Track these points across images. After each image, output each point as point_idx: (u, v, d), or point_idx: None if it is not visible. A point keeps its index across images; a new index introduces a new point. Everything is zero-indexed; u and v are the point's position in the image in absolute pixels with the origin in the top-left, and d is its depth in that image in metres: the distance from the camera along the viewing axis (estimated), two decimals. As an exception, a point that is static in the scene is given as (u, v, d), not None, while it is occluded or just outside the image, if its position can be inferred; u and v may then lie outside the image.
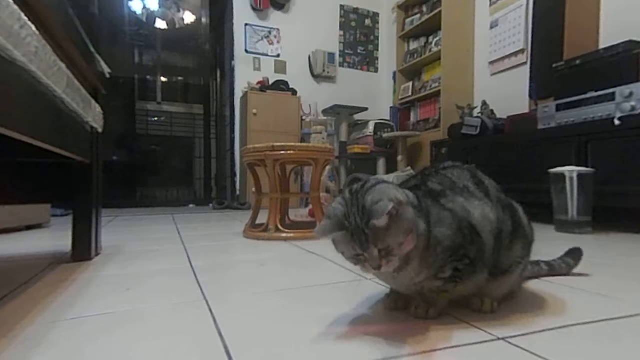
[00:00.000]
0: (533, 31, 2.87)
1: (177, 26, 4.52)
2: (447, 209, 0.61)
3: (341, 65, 4.52)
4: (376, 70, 4.73)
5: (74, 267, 1.13)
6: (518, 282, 0.76)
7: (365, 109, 4.22)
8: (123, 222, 2.49)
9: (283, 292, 0.86)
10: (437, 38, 3.73)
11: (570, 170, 1.78)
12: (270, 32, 4.17)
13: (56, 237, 1.81)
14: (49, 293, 0.86)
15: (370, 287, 0.84)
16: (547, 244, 1.49)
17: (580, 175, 1.76)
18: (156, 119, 4.72)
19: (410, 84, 4.15)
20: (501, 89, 3.24)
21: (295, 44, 4.25)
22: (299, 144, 1.75)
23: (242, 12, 4.06)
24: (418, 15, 4.04)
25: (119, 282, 0.95)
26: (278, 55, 4.21)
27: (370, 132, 3.96)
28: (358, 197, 0.56)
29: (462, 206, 0.62)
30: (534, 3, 2.87)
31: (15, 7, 0.56)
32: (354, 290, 0.83)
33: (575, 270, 0.97)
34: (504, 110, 2.94)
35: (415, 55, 4.05)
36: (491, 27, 3.32)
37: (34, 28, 0.63)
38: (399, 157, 3.73)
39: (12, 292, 0.87)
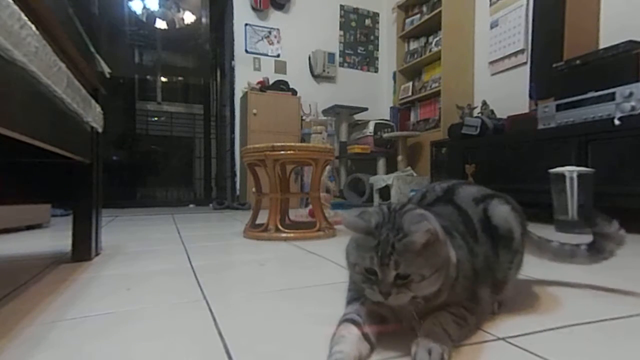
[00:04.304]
0: (533, 31, 2.87)
1: (177, 26, 4.52)
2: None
3: (341, 65, 4.52)
4: (376, 70, 4.73)
5: (74, 267, 1.13)
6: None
7: (365, 109, 4.22)
8: (123, 222, 2.49)
9: (283, 292, 0.86)
10: (437, 38, 3.73)
11: (570, 170, 1.78)
12: (270, 32, 4.17)
13: (56, 237, 1.81)
14: (49, 293, 0.86)
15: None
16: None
17: (580, 175, 1.76)
18: (156, 119, 4.72)
19: (410, 84, 4.15)
20: (501, 89, 3.24)
21: (295, 44, 4.25)
22: (299, 144, 1.75)
23: (242, 12, 4.06)
24: (418, 15, 4.04)
25: (119, 282, 0.95)
26: (278, 55, 4.21)
27: (370, 132, 3.96)
28: (395, 215, 0.54)
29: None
30: (534, 3, 2.87)
31: (15, 7, 0.56)
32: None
33: (575, 271, 0.96)
34: (504, 110, 2.94)
35: (415, 55, 4.05)
36: (491, 27, 3.32)
37: (34, 28, 0.63)
38: (399, 157, 3.73)
39: (12, 292, 0.87)
